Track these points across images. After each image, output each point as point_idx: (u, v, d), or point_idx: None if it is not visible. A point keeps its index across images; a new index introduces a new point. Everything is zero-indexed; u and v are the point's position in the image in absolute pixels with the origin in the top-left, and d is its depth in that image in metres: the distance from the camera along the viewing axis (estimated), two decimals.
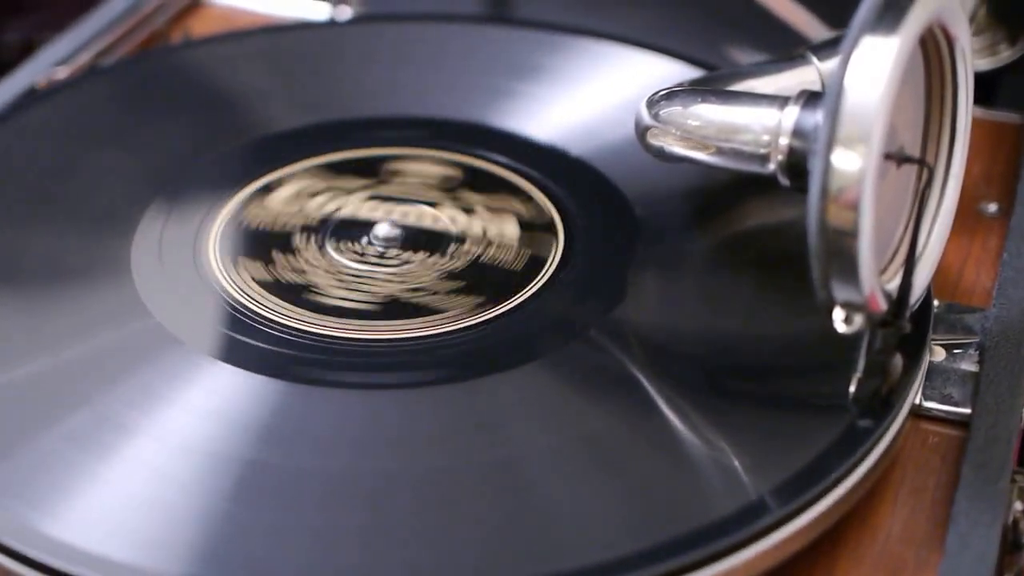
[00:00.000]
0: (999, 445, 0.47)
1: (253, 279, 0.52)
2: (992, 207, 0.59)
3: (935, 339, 0.51)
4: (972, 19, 0.62)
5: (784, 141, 0.48)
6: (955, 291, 0.55)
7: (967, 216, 0.58)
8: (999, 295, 0.53)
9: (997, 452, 0.47)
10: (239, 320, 0.50)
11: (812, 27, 0.65)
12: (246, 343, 0.49)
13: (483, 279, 0.52)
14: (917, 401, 0.49)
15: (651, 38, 0.64)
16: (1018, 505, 0.46)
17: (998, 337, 0.51)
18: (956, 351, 0.51)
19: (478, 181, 0.57)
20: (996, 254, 0.56)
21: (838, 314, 0.43)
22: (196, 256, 0.53)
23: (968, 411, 0.49)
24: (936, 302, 0.52)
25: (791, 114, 0.48)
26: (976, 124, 0.63)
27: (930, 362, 0.50)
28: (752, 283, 0.52)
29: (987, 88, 0.64)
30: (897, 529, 0.46)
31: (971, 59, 0.47)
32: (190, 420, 0.46)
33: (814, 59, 0.53)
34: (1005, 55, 0.63)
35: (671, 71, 0.61)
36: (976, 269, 0.56)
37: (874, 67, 0.40)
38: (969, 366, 0.50)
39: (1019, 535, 0.46)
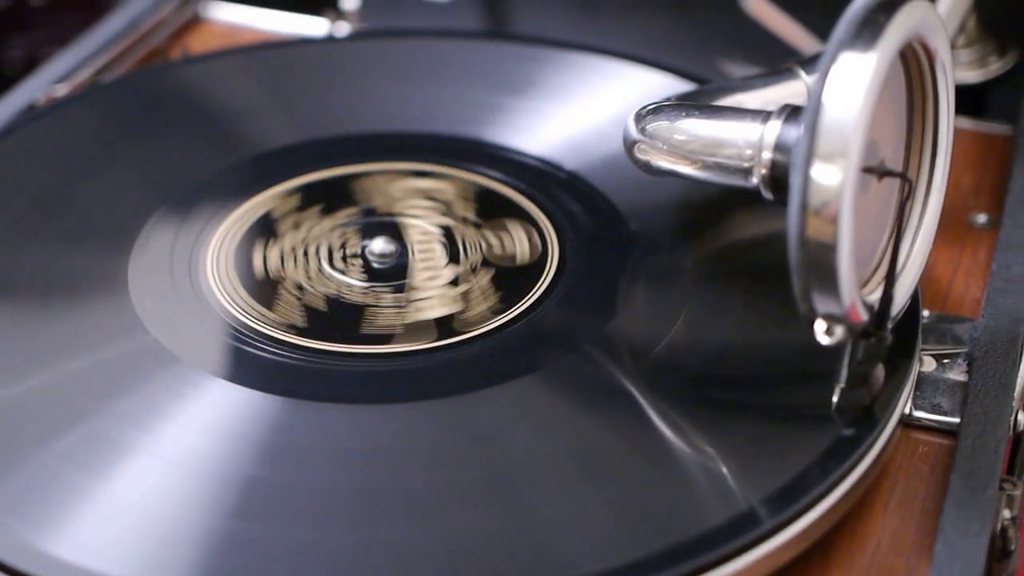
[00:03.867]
0: (987, 454, 0.47)
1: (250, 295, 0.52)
2: (982, 218, 0.59)
3: (925, 349, 0.51)
4: (962, 31, 0.62)
5: (767, 155, 0.48)
6: (945, 301, 0.55)
7: (957, 227, 0.59)
8: (988, 305, 0.53)
9: (985, 461, 0.47)
10: (236, 336, 0.50)
11: (805, 41, 0.65)
12: (243, 359, 0.49)
13: (476, 293, 0.52)
14: (907, 411, 0.49)
15: (644, 52, 0.64)
16: (1006, 513, 0.46)
17: (986, 347, 0.51)
18: (945, 361, 0.51)
19: (472, 196, 0.57)
20: (985, 265, 0.57)
21: (820, 326, 0.43)
22: (193, 273, 0.53)
23: (957, 420, 0.49)
24: (926, 312, 0.52)
25: (773, 128, 0.48)
26: (966, 135, 0.63)
27: (920, 372, 0.50)
28: (746, 295, 0.52)
29: (977, 100, 0.64)
30: (887, 538, 0.46)
31: (952, 73, 0.47)
32: (188, 437, 0.46)
33: (802, 73, 0.53)
34: (995, 67, 0.63)
35: (664, 85, 0.61)
36: (966, 280, 0.56)
37: (852, 83, 0.41)
38: (958, 376, 0.50)
39: (1007, 543, 0.46)
